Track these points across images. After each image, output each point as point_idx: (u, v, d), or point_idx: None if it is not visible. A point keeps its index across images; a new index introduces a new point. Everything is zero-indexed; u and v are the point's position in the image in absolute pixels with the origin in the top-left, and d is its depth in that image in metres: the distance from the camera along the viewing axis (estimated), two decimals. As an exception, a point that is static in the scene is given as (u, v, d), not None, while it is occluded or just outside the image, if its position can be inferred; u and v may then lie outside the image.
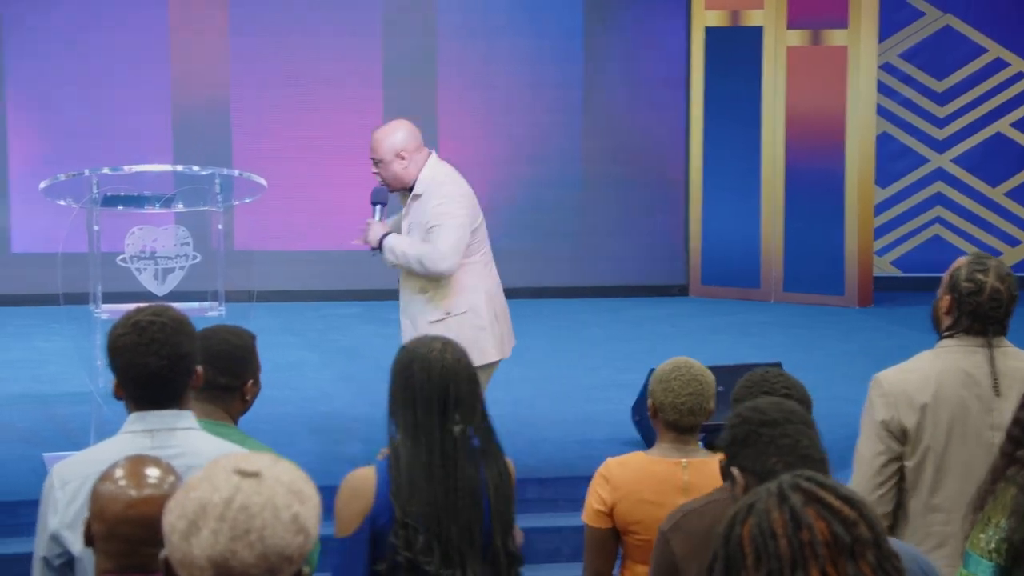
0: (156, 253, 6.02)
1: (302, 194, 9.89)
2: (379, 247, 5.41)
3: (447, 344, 3.21)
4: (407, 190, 5.45)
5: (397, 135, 5.46)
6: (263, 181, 6.04)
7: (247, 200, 6.25)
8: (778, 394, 3.05)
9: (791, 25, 9.91)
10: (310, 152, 9.94)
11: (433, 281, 5.37)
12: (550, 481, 5.82)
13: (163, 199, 6.08)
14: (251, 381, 3.50)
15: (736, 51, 10.03)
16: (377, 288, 10.16)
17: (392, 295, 10.00)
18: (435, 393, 3.14)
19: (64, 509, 2.87)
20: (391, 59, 10.00)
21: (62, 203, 5.90)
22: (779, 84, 9.96)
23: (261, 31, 9.78)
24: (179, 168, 6.25)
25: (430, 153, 5.53)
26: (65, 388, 7.10)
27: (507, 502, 3.22)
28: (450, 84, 10.11)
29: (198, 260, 6.06)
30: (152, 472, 2.41)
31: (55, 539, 2.87)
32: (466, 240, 5.37)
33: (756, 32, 9.98)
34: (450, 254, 5.29)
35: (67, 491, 2.88)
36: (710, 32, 10.14)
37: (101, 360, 5.71)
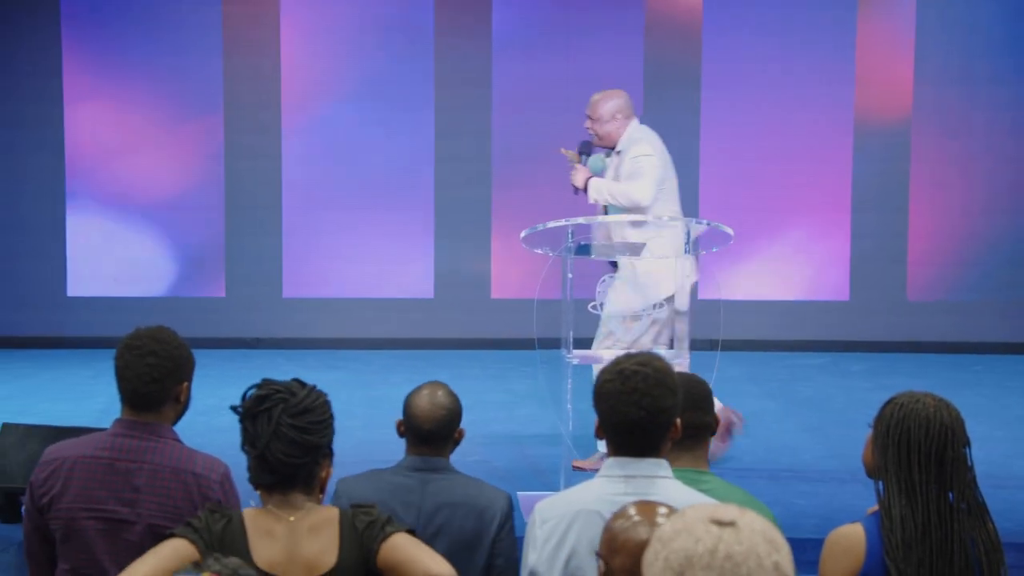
0: (625, 300, 6.14)
1: (766, 244, 9.88)
2: (584, 188, 6.55)
3: (940, 401, 3.11)
4: (611, 149, 6.59)
5: (618, 100, 6.60)
6: (730, 231, 6.07)
7: (714, 249, 6.29)
8: None
9: None
10: (778, 201, 9.92)
11: (637, 227, 6.36)
12: (1029, 548, 5.49)
13: (633, 248, 6.21)
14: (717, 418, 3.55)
15: None
16: (843, 339, 9.98)
17: (859, 347, 9.84)
18: (932, 452, 3.03)
19: (541, 546, 2.97)
20: (863, 108, 9.83)
21: (539, 251, 6.15)
22: None
23: (732, 82, 9.87)
24: (648, 218, 6.37)
25: (635, 119, 6.62)
26: (537, 430, 7.36)
27: (998, 568, 3.08)
28: (926, 132, 9.82)
29: (664, 308, 6.15)
30: (663, 511, 2.47)
31: (533, 575, 2.98)
32: (661, 180, 6.49)
33: None
34: (648, 185, 6.42)
35: (545, 529, 2.97)
36: None
37: (571, 404, 5.91)
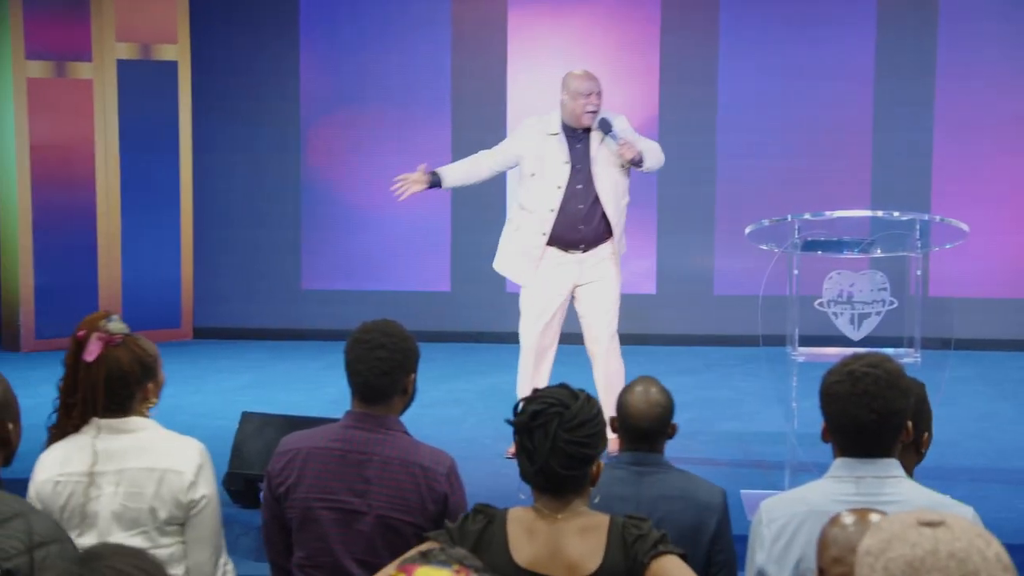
0: (853, 298, 6.03)
1: (1002, 239, 9.56)
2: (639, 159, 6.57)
3: None
4: (582, 130, 6.59)
5: None
6: (965, 227, 5.90)
7: (947, 246, 6.12)
8: None
9: None
10: (1016, 194, 9.59)
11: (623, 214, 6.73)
12: None
13: (861, 244, 6.09)
14: (925, 434, 3.42)
15: None
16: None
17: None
18: None
19: (769, 546, 2.94)
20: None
21: (764, 247, 6.08)
22: None
23: (969, 71, 9.58)
24: (878, 213, 6.23)
25: None
26: (761, 427, 7.28)
27: None
28: None
29: (895, 306, 6.01)
30: (876, 517, 2.44)
31: (760, 574, 2.96)
32: None
33: None
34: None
35: (772, 528, 2.94)
36: None
37: (796, 402, 5.83)
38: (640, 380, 3.76)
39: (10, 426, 2.98)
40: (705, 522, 3.58)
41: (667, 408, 3.68)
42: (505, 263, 6.87)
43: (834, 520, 2.43)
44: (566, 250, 6.64)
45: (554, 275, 6.68)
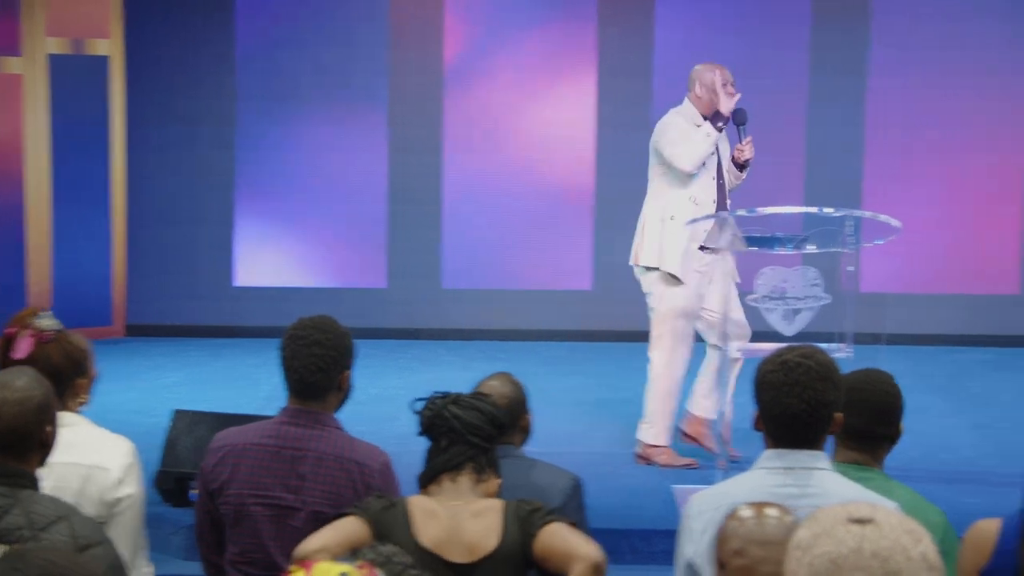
0: (786, 293, 6.07)
1: (933, 236, 9.67)
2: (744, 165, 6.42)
3: None
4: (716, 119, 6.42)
5: None
6: (897, 223, 5.96)
7: (879, 242, 6.18)
8: None
9: None
10: (946, 192, 9.70)
11: None
12: None
13: (795, 240, 6.13)
14: (900, 424, 3.47)
15: None
16: (1012, 334, 9.71)
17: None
18: None
19: (698, 539, 2.97)
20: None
21: (698, 244, 6.11)
22: None
23: (901, 71, 9.67)
24: (811, 210, 6.27)
25: None
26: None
27: None
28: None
29: (828, 301, 6.06)
30: (773, 511, 2.45)
31: (689, 567, 2.98)
32: None
33: None
34: None
35: (700, 521, 2.97)
36: None
37: (730, 396, 5.86)
38: (491, 376, 3.78)
39: (48, 428, 2.94)
40: None
41: (510, 402, 3.68)
42: (678, 262, 6.50)
43: (732, 514, 2.47)
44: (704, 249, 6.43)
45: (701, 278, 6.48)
